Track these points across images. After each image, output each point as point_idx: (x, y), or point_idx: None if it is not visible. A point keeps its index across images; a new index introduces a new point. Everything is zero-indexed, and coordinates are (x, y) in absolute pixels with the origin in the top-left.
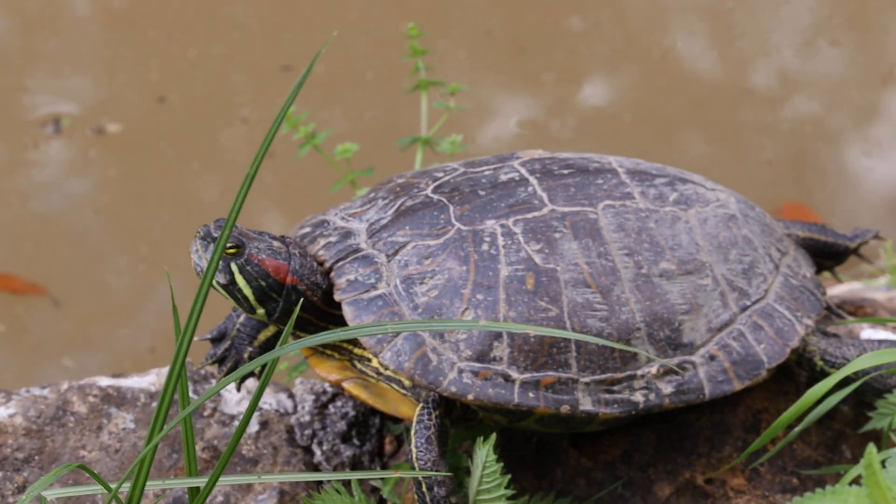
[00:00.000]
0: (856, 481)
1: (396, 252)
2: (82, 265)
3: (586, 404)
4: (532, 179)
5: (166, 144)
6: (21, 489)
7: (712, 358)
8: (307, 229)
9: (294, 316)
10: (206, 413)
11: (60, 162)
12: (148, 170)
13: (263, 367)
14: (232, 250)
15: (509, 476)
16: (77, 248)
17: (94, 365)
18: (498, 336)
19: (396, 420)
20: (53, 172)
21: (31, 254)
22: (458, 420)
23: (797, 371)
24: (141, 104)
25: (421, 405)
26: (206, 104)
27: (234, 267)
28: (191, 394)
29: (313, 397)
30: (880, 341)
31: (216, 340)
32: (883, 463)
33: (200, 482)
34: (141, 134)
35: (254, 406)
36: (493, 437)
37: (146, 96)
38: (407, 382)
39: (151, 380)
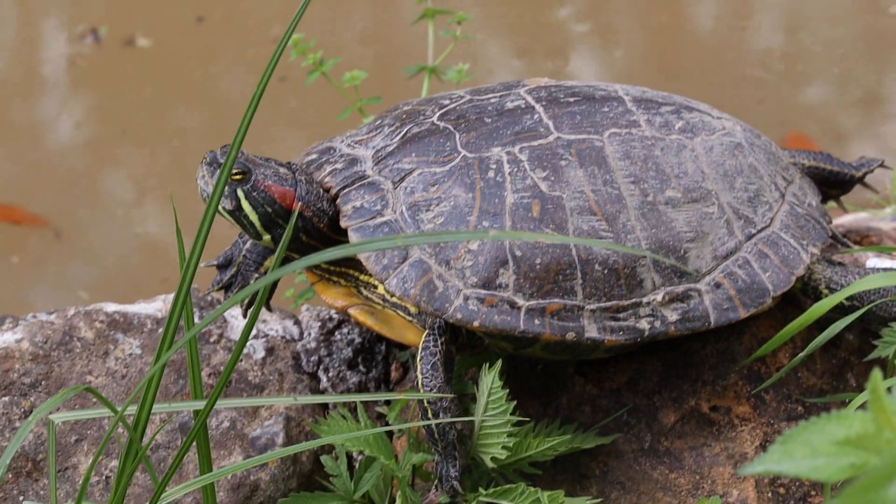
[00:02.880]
0: (861, 409)
1: (402, 179)
2: (91, 196)
3: (592, 331)
4: (538, 107)
5: (195, 64)
6: (27, 414)
7: (718, 286)
8: (313, 156)
9: (287, 235)
10: (212, 339)
11: (88, 77)
12: (170, 88)
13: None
14: (238, 176)
15: (515, 402)
16: (85, 178)
17: (108, 296)
18: (504, 263)
19: (402, 347)
20: (71, 92)
21: (35, 185)
22: (463, 347)
23: (803, 300)
24: (178, 21)
25: (427, 332)
26: (243, 26)
27: (240, 193)
28: (196, 320)
29: (319, 324)
30: (885, 269)
31: (222, 267)
32: (889, 389)
33: (204, 405)
34: (172, 50)
35: (252, 322)
36: (499, 363)
37: (185, 14)
38: (413, 309)
39: (158, 306)
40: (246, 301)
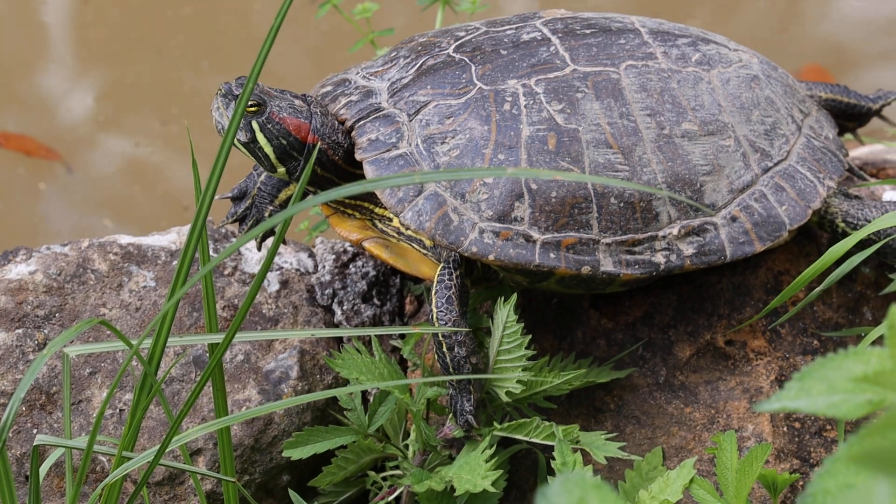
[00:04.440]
0: (877, 343)
1: (418, 111)
2: (111, 124)
3: (607, 265)
4: (554, 39)
5: None
6: (41, 346)
7: (734, 219)
8: (328, 88)
9: (308, 169)
10: (226, 272)
11: None
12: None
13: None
14: (253, 108)
15: (530, 336)
16: (108, 105)
17: (134, 227)
18: (519, 196)
19: (417, 280)
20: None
21: (52, 113)
22: (478, 280)
23: (819, 233)
24: None
25: (442, 265)
26: None
27: (255, 125)
28: (211, 252)
29: (334, 257)
30: None
31: (237, 199)
32: None
33: (220, 338)
34: None
35: (269, 261)
36: (514, 297)
37: None
38: (428, 242)
39: (172, 238)
40: (261, 235)
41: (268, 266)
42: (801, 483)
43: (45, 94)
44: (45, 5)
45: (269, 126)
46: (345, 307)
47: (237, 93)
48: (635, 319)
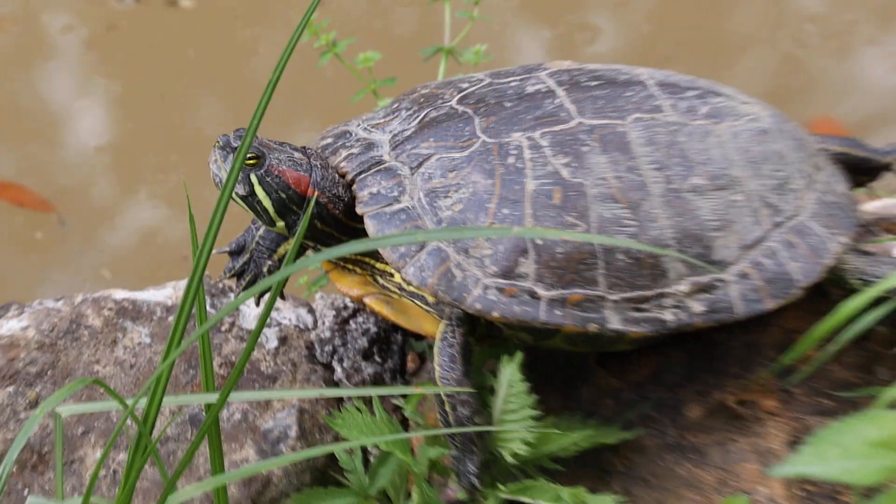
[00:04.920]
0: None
1: (420, 164)
2: (112, 173)
3: (615, 322)
4: (560, 91)
5: (240, 25)
6: (34, 404)
7: (744, 276)
8: (329, 140)
9: (305, 224)
10: (223, 328)
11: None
12: (213, 50)
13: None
14: (252, 161)
15: (535, 396)
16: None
17: (131, 277)
18: (524, 252)
19: (419, 337)
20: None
21: (53, 160)
22: (482, 338)
23: (831, 290)
24: None
25: (445, 322)
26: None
27: (253, 178)
28: (208, 308)
29: (334, 313)
30: None
31: (235, 253)
32: None
33: (216, 397)
34: (216, 11)
35: (265, 317)
36: (519, 355)
37: None
38: (430, 298)
39: (168, 293)
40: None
41: (264, 322)
42: None
43: (43, 140)
44: (47, 48)
45: (268, 179)
46: (345, 364)
47: (235, 145)
48: (643, 378)
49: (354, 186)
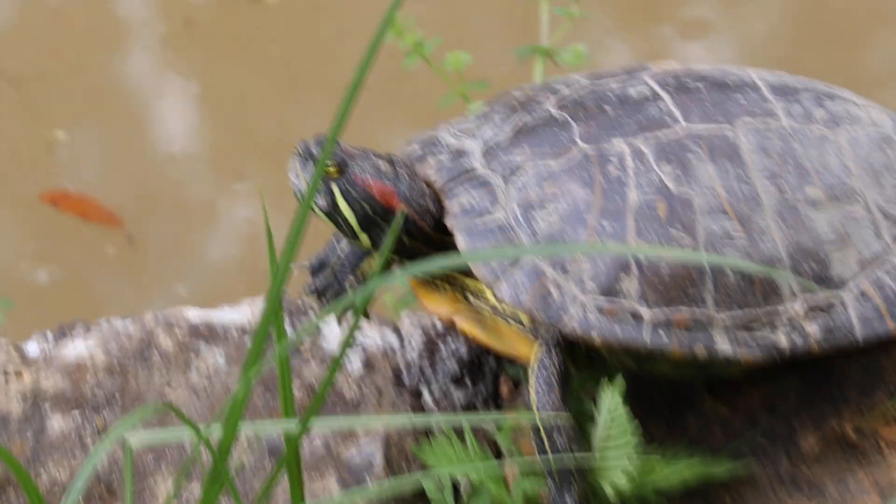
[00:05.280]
0: None
1: (514, 174)
2: (183, 187)
3: (724, 345)
4: (664, 94)
5: (327, 20)
6: (100, 431)
7: (864, 295)
8: (416, 148)
9: (391, 238)
10: (303, 350)
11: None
12: (297, 49)
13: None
14: (333, 170)
15: (637, 423)
16: (174, 163)
17: (208, 294)
18: (626, 268)
19: (513, 361)
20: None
21: (125, 167)
22: (581, 362)
23: None
24: None
25: (541, 345)
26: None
27: (335, 189)
28: (287, 328)
29: (422, 334)
30: None
31: (316, 270)
32: None
33: (297, 425)
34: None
35: (349, 339)
36: (621, 381)
37: None
38: (525, 319)
39: (244, 312)
40: (342, 309)
41: (347, 344)
42: None
43: (115, 147)
44: (119, 46)
45: (351, 190)
46: (434, 390)
47: (316, 152)
48: (754, 405)
49: (444, 197)
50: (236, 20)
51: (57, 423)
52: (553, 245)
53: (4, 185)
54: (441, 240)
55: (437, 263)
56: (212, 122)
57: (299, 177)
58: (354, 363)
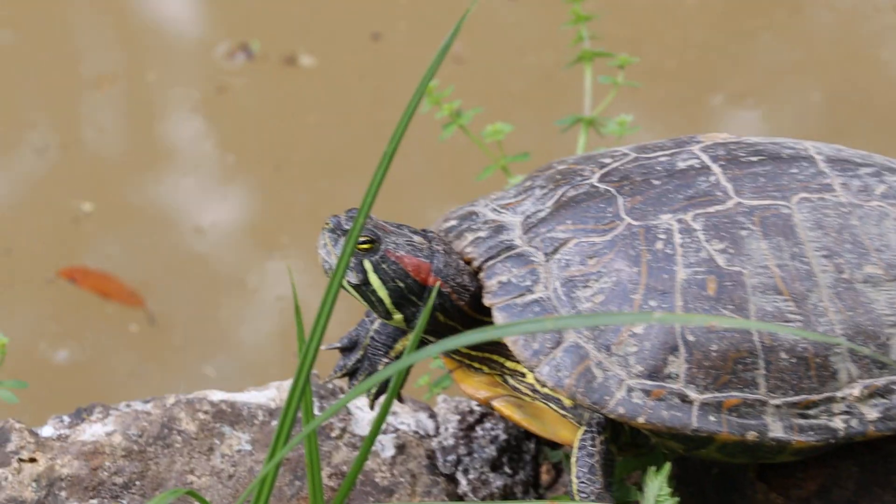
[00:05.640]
0: None
1: (556, 250)
2: (210, 262)
3: (777, 430)
4: (715, 167)
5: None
6: None
7: None
8: (453, 222)
9: (425, 317)
10: (333, 434)
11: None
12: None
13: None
14: (365, 245)
15: None
16: (201, 237)
17: (235, 376)
18: (674, 349)
19: (555, 445)
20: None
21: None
22: (626, 446)
23: None
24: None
25: (583, 428)
26: (425, 42)
27: (367, 265)
28: (316, 411)
29: (458, 417)
30: None
31: (346, 350)
32: None
33: None
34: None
35: (381, 421)
36: (667, 466)
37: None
38: (567, 402)
39: (271, 394)
40: (374, 391)
41: (379, 427)
42: None
43: (141, 220)
44: (149, 113)
45: (384, 266)
46: (471, 476)
47: (347, 227)
48: (810, 494)
49: (482, 274)
50: (271, 86)
51: None
52: (596, 316)
53: (27, 259)
54: (479, 319)
55: (474, 337)
56: (245, 194)
57: (330, 252)
58: (387, 448)
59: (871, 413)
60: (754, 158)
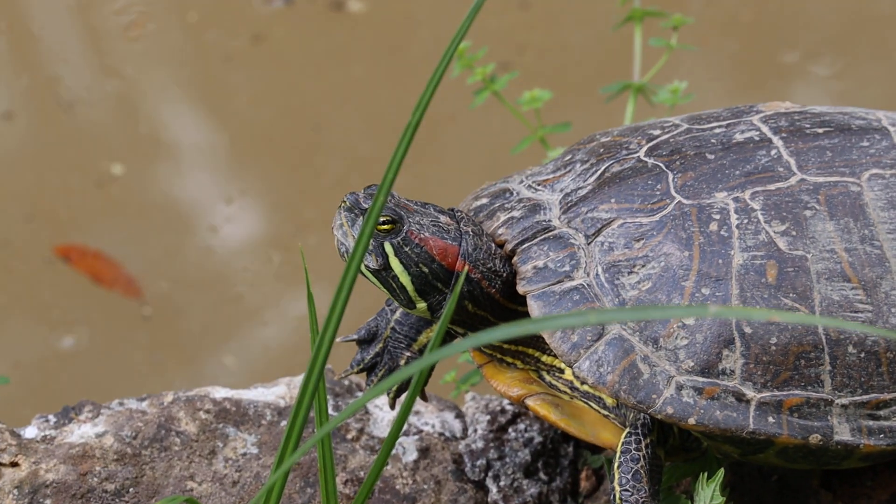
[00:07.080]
0: None
1: (599, 231)
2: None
3: (843, 433)
4: (776, 140)
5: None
6: None
7: None
8: (484, 200)
9: (452, 305)
10: (350, 436)
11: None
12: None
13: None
14: (386, 226)
15: None
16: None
17: (255, 364)
18: (729, 343)
19: (595, 449)
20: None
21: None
22: (675, 450)
23: None
24: None
25: (627, 430)
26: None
27: (388, 248)
28: (331, 411)
29: (488, 417)
30: None
31: (364, 342)
32: None
33: None
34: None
35: (402, 422)
36: (721, 473)
37: None
38: (610, 400)
39: (280, 391)
40: (395, 389)
41: (400, 429)
42: None
43: (148, 203)
44: (176, 64)
45: (407, 249)
46: (502, 483)
47: (366, 206)
48: (880, 503)
49: (515, 259)
50: (314, 34)
51: None
52: (644, 309)
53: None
54: (512, 308)
55: (506, 332)
56: (284, 157)
57: (346, 234)
58: (409, 451)
59: None
60: (820, 130)
